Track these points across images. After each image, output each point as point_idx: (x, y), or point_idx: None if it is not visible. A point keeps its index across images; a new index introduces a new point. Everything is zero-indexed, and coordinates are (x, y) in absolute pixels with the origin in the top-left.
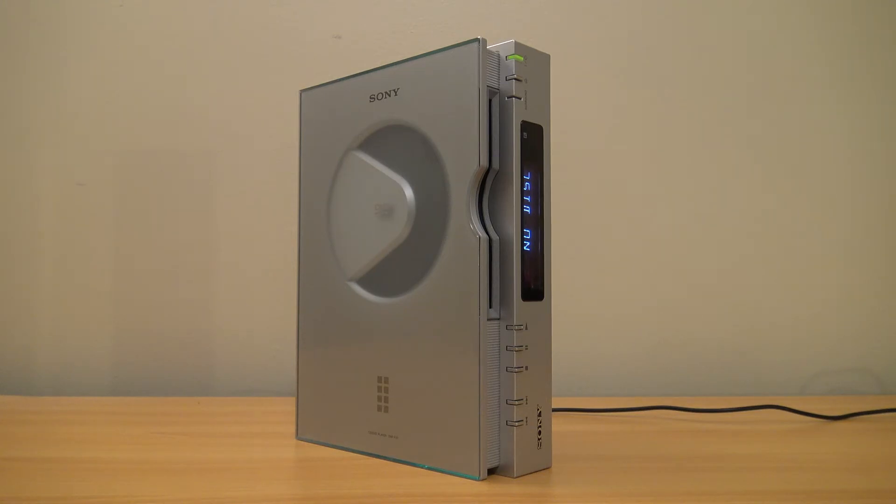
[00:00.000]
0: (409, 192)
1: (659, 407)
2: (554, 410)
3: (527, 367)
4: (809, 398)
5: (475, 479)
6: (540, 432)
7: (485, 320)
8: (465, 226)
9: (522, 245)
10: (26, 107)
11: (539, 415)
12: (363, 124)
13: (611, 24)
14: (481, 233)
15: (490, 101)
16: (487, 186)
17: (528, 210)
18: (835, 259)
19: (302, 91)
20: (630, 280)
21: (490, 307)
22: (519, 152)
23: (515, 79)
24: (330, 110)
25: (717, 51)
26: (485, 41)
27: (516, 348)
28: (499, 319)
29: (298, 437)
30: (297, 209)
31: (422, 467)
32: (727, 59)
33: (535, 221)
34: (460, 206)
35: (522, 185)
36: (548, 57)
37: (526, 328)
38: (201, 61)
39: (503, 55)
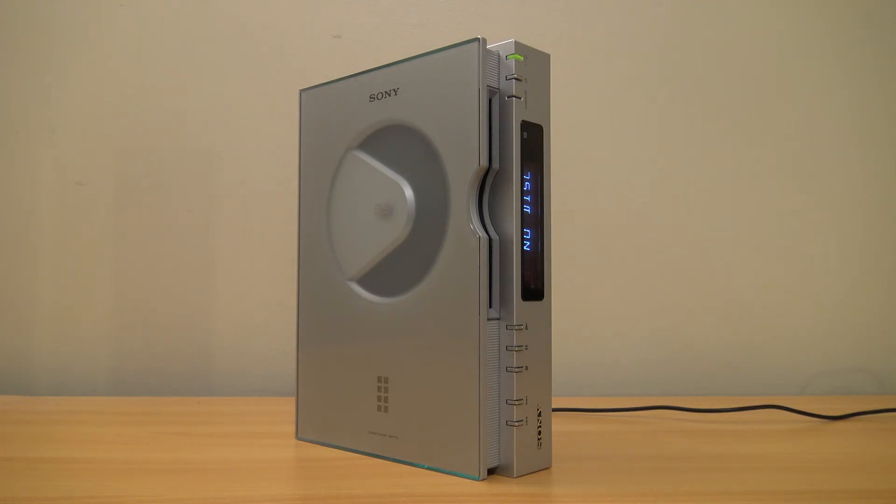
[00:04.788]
0: (409, 192)
1: (659, 407)
2: (554, 410)
3: (527, 367)
4: (809, 398)
5: (475, 479)
6: (540, 432)
7: (485, 320)
8: (465, 226)
9: (522, 245)
10: (26, 106)
11: (539, 415)
12: (363, 124)
13: (612, 24)
14: (481, 233)
15: (490, 100)
16: (487, 186)
17: (528, 210)
18: (834, 259)
19: (302, 91)
20: (630, 279)
21: (490, 307)
22: (519, 152)
23: (515, 78)
24: (330, 110)
25: (719, 50)
26: (485, 41)
27: (516, 348)
28: (499, 319)
29: (298, 437)
30: (297, 209)
31: (422, 467)
32: (729, 59)
33: (535, 221)
34: (460, 205)
35: (522, 185)
36: (548, 56)
37: (526, 328)
38: (201, 61)
39: (503, 55)
